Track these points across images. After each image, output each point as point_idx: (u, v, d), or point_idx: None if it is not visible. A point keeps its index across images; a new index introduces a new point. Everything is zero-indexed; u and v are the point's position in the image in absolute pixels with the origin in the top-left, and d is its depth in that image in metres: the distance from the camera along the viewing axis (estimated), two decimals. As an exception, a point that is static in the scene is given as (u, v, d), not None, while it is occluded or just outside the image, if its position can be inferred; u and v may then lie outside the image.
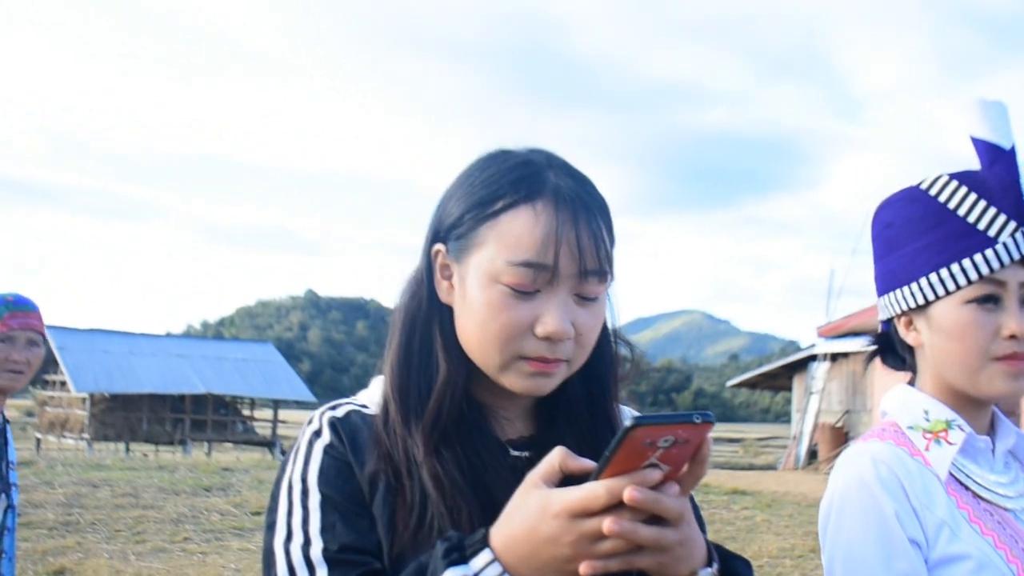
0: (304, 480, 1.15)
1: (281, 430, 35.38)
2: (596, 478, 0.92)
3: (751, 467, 24.86)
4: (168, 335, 49.62)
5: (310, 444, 1.18)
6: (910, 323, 1.44)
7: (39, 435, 34.38)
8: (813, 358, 23.36)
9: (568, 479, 0.97)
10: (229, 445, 35.29)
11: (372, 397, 1.25)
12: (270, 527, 1.15)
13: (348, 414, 1.21)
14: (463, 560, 0.99)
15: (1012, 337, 1.33)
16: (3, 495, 3.05)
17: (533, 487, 0.98)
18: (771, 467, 24.29)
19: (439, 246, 1.20)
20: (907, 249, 1.40)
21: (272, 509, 1.17)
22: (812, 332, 23.67)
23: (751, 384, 31.97)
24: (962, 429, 1.38)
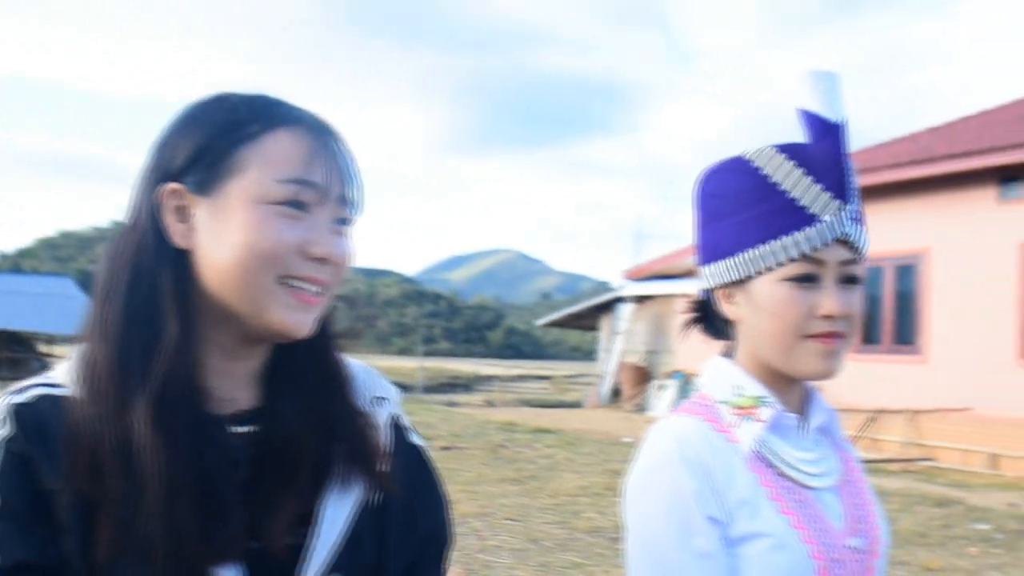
0: None
1: (77, 366, 33.88)
2: None
3: (559, 404, 25.52)
4: (-48, 263, 46.39)
5: None
6: (730, 296, 1.41)
7: None
8: (621, 299, 24.07)
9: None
10: (20, 381, 33.60)
11: (71, 375, 1.05)
12: None
13: (37, 400, 1.03)
14: None
15: (827, 317, 1.32)
16: None
17: None
18: (577, 404, 25.01)
19: (173, 185, 1.08)
20: (730, 221, 1.38)
21: None
22: (621, 274, 24.42)
23: (561, 324, 32.74)
24: (772, 406, 1.38)
